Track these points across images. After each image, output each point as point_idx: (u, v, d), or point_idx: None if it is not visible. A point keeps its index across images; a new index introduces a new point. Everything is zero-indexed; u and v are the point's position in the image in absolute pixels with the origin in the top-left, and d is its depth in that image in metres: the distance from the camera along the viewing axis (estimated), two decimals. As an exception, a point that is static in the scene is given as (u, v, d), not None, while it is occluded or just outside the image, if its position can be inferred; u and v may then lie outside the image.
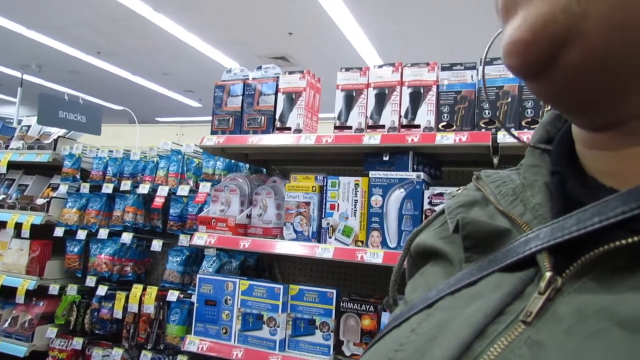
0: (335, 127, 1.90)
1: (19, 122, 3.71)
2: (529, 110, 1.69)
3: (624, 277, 0.28)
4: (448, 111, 1.79)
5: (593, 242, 0.29)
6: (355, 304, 1.81)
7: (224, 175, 2.45)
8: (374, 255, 1.72)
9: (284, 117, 2.02)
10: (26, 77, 8.89)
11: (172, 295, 2.37)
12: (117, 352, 2.47)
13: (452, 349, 0.30)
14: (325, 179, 1.90)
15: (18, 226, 2.73)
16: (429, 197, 1.71)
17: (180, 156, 2.58)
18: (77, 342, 2.57)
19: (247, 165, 2.52)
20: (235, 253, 2.39)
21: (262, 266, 2.49)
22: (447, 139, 1.70)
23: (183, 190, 2.47)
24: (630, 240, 0.27)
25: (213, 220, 2.07)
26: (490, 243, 0.37)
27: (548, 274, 0.30)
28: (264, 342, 1.89)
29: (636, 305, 0.25)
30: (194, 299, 2.29)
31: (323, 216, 1.88)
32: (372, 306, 1.78)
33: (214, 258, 2.36)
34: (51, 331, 2.63)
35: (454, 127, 1.77)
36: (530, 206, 0.38)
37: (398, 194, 1.75)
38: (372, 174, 1.80)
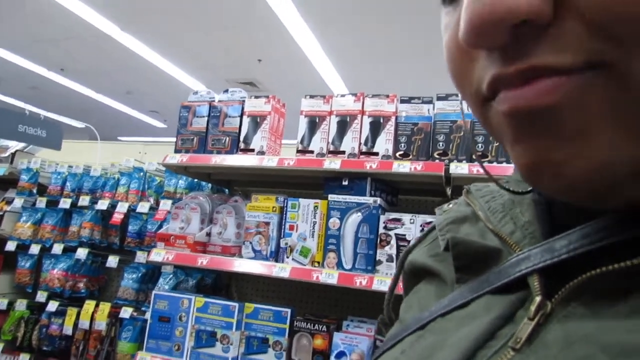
0: (298, 151, 1.98)
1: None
2: (480, 145, 1.82)
3: (611, 302, 0.27)
4: (405, 141, 1.90)
5: (584, 264, 0.28)
6: (309, 324, 1.85)
7: (185, 194, 2.47)
8: (329, 276, 1.78)
9: (248, 139, 2.09)
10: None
11: (126, 312, 2.34)
12: (64, 371, 2.39)
13: None
14: (286, 200, 1.96)
15: (-33, 238, 2.65)
16: (384, 222, 1.80)
17: (142, 173, 2.59)
18: (24, 359, 2.47)
19: (210, 185, 2.55)
20: (193, 271, 2.40)
21: (219, 285, 2.49)
22: (403, 167, 1.80)
23: (143, 207, 2.47)
24: (617, 265, 0.27)
25: (172, 237, 2.09)
26: (481, 263, 0.37)
27: (537, 299, 0.30)
28: (216, 359, 1.90)
29: (621, 332, 0.25)
30: (147, 316, 2.27)
31: (282, 236, 1.94)
32: (324, 326, 1.83)
33: (171, 276, 2.35)
34: (-6, 348, 2.53)
35: (410, 157, 1.87)
36: (520, 224, 0.37)
37: (355, 218, 1.83)
38: (331, 197, 1.88)
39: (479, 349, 0.31)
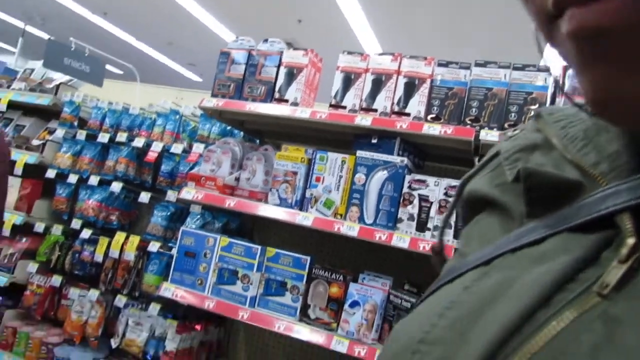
0: (331, 105, 2.01)
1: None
2: (513, 114, 1.81)
3: None
4: (438, 104, 1.90)
5: None
6: (326, 272, 1.93)
7: (218, 140, 2.54)
8: (350, 228, 1.84)
9: (283, 89, 2.13)
10: (29, 28, 8.83)
11: (153, 246, 2.47)
12: (94, 293, 2.55)
13: (512, 315, 0.28)
14: (315, 153, 2.01)
15: (12, 163, 2.80)
16: (409, 182, 1.83)
17: (177, 116, 2.67)
18: (56, 280, 2.65)
19: (242, 134, 2.62)
20: (219, 214, 2.49)
21: (243, 230, 2.59)
22: (433, 129, 1.82)
23: (177, 149, 2.55)
24: None
25: (202, 178, 2.17)
26: (558, 197, 0.33)
27: (630, 240, 0.26)
28: (236, 297, 2.00)
29: None
30: (173, 252, 2.39)
31: (308, 187, 1.99)
32: (341, 276, 1.90)
33: (198, 216, 2.45)
34: (32, 266, 2.71)
35: (442, 120, 1.88)
36: (605, 154, 0.32)
37: (381, 175, 1.87)
38: (360, 153, 1.92)
39: (557, 291, 0.28)
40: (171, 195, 2.52)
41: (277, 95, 2.13)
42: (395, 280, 1.95)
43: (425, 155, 2.17)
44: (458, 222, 1.74)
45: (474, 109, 1.84)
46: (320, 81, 2.27)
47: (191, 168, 2.50)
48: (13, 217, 2.72)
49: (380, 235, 1.78)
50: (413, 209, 1.79)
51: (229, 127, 2.61)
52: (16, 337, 2.61)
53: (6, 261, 2.74)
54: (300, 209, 1.99)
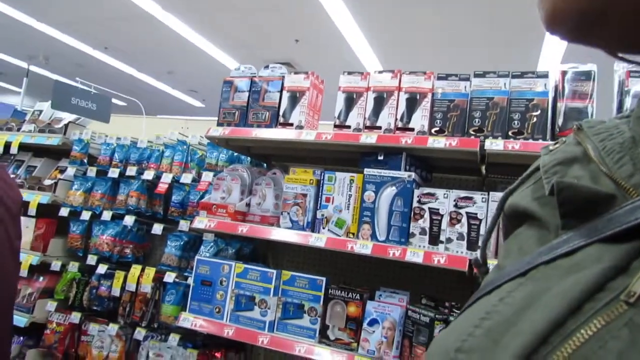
0: (335, 126, 2.04)
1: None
2: (516, 122, 1.83)
3: None
4: (441, 117, 1.93)
5: None
6: (343, 292, 1.93)
7: (226, 167, 2.57)
8: (363, 247, 1.85)
9: (287, 113, 2.16)
10: (32, 68, 9.03)
11: (169, 277, 2.49)
12: (113, 327, 2.57)
13: (543, 323, 0.29)
14: (323, 174, 2.03)
15: (25, 204, 2.85)
16: (418, 196, 1.85)
17: (185, 146, 2.71)
18: (75, 317, 2.67)
19: (249, 159, 2.65)
20: (232, 241, 2.51)
21: (257, 255, 2.60)
22: (438, 142, 1.84)
23: (186, 178, 2.59)
24: None
25: (214, 206, 2.20)
26: (591, 210, 0.34)
27: None
28: (254, 322, 2.01)
29: None
30: (189, 281, 2.40)
31: (318, 208, 2.01)
32: (358, 294, 1.90)
33: (212, 244, 2.48)
34: (51, 305, 2.73)
35: (446, 133, 1.90)
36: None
37: (390, 191, 1.88)
38: (367, 171, 1.94)
39: (586, 300, 0.29)
40: (183, 225, 2.55)
41: (281, 119, 2.16)
42: (412, 295, 1.95)
43: (432, 167, 2.19)
44: (470, 234, 1.75)
45: (476, 119, 1.86)
46: (322, 98, 2.31)
47: (201, 197, 2.53)
48: (29, 258, 2.76)
49: (394, 252, 1.79)
50: (424, 223, 1.81)
51: (236, 154, 2.65)
52: (39, 377, 2.63)
53: (25, 301, 2.77)
54: (312, 231, 2.00)
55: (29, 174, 3.06)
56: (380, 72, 2.06)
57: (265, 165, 2.68)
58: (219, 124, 2.27)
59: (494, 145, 1.74)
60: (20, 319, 2.67)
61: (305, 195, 2.04)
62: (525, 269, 0.35)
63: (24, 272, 2.75)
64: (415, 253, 1.75)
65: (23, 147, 3.09)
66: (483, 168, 1.94)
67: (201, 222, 2.16)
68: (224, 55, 7.97)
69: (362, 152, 2.04)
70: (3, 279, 0.79)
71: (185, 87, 10.76)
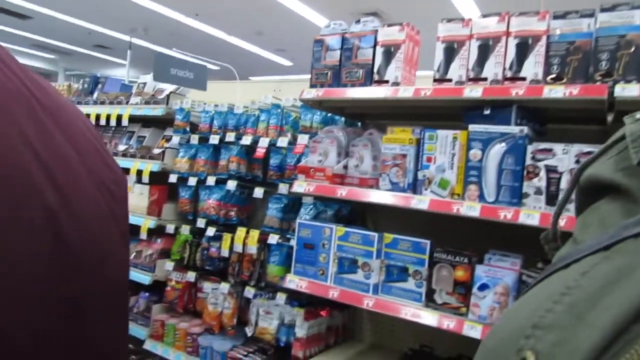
0: (435, 80, 1.90)
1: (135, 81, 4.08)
2: (653, 60, 1.57)
3: None
4: (558, 63, 1.71)
5: None
6: (449, 255, 1.86)
7: (320, 129, 2.54)
8: (470, 209, 1.74)
9: (381, 70, 2.05)
10: (134, 40, 9.61)
11: (273, 239, 2.57)
12: (224, 286, 2.74)
13: (633, 300, 0.27)
14: (423, 132, 1.92)
15: (139, 173, 3.08)
16: (532, 153, 1.68)
17: (279, 110, 2.72)
18: (191, 276, 2.89)
19: (343, 119, 2.59)
20: (331, 202, 2.51)
21: (355, 216, 2.59)
22: (555, 92, 1.64)
23: (282, 142, 2.61)
24: None
25: (312, 169, 2.19)
26: None
27: None
28: (359, 285, 2.01)
29: None
30: (292, 242, 2.46)
31: (419, 168, 1.92)
32: (466, 258, 1.82)
33: (311, 206, 2.50)
34: (169, 264, 2.98)
35: (565, 80, 1.69)
36: None
37: (498, 149, 1.73)
38: (472, 127, 1.79)
39: None
40: (283, 188, 2.59)
41: (376, 77, 2.06)
42: (525, 259, 1.82)
43: (546, 119, 1.97)
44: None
45: (604, 62, 1.61)
46: (419, 51, 2.16)
47: (298, 160, 2.54)
48: (147, 222, 3.00)
49: (505, 214, 1.66)
50: (540, 182, 1.64)
51: (330, 114, 2.61)
52: (164, 329, 2.91)
53: (147, 261, 3.04)
54: (414, 192, 1.92)
55: (140, 144, 3.29)
56: (484, 16, 1.86)
57: (360, 124, 2.61)
58: (312, 86, 2.22)
59: (627, 91, 1.51)
60: (144, 277, 2.95)
61: (404, 156, 1.95)
62: (609, 242, 0.33)
63: (143, 234, 3.00)
64: (530, 215, 1.61)
65: (132, 118, 3.30)
66: (610, 117, 1.71)
67: (300, 186, 2.17)
68: (309, 10, 7.84)
69: (466, 107, 1.89)
70: (118, 265, 0.80)
71: (273, 47, 10.85)
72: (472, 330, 1.71)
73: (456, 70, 1.85)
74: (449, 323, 1.76)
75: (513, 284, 1.69)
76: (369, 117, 2.61)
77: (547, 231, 0.50)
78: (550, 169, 1.63)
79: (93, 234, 0.74)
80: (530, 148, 1.68)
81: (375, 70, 2.06)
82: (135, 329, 3.00)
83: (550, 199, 1.63)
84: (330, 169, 2.14)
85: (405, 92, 1.92)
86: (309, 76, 2.27)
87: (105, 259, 0.77)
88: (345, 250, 2.07)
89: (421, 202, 1.84)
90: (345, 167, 2.18)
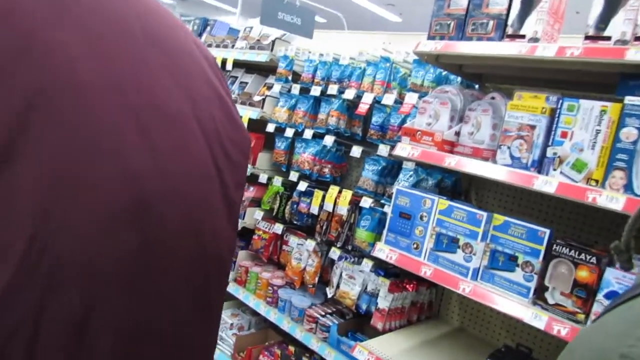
0: (587, 37, 1.55)
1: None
2: None
3: None
4: None
5: None
6: (572, 251, 1.56)
7: (432, 88, 2.28)
8: (611, 200, 1.43)
9: (517, 22, 1.73)
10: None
11: (365, 202, 2.41)
12: (310, 243, 2.66)
13: None
14: (561, 101, 1.60)
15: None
16: None
17: (388, 64, 2.48)
18: (278, 227, 2.84)
19: (459, 79, 2.30)
20: (433, 171, 2.28)
21: (458, 189, 2.34)
22: None
23: (388, 99, 2.39)
24: None
25: (418, 132, 1.97)
26: None
27: None
28: (456, 267, 1.80)
29: None
30: (386, 209, 2.29)
31: (550, 144, 1.61)
32: (594, 257, 1.52)
33: (411, 173, 2.29)
34: (258, 213, 2.96)
35: None
36: None
37: (662, 129, 1.38)
38: (629, 100, 1.44)
39: None
40: (382, 149, 2.40)
41: (509, 30, 1.74)
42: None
43: None
44: None
45: None
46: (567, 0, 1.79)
47: (403, 120, 2.32)
48: (241, 168, 2.98)
49: (659, 212, 1.33)
50: None
51: (444, 73, 2.32)
52: (248, 276, 2.92)
53: (238, 207, 3.04)
54: (539, 172, 1.63)
55: (242, 90, 3.24)
56: (667, -42, 1.45)
57: (477, 87, 2.30)
58: (430, 37, 1.95)
59: None
60: (234, 223, 2.96)
61: (533, 127, 1.65)
62: None
63: (237, 181, 3.00)
64: (697, 218, 1.27)
65: (237, 63, 3.25)
66: None
67: (403, 149, 1.96)
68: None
69: (623, 74, 1.53)
70: (214, 240, 0.67)
71: (382, 0, 10.34)
72: (591, 342, 1.43)
73: (619, 26, 1.49)
74: (560, 328, 1.50)
75: (655, 298, 1.38)
76: (490, 79, 2.29)
77: (618, 242, 0.47)
78: None
79: (185, 200, 0.60)
80: None
81: (509, 22, 1.75)
82: (221, 272, 3.05)
83: None
84: (439, 134, 1.89)
85: (545, 51, 1.60)
86: (419, 33, 2.00)
87: (199, 231, 0.63)
88: (446, 226, 1.85)
89: (547, 183, 1.55)
90: (458, 133, 1.92)
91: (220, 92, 0.71)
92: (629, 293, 0.37)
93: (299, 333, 2.57)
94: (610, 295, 1.45)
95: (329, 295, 2.58)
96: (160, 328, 0.59)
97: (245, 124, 2.88)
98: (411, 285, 2.35)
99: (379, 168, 2.50)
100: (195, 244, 0.62)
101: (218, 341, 2.81)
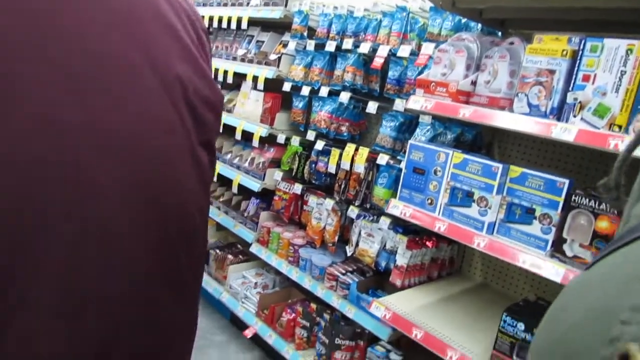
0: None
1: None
2: None
3: None
4: None
5: None
6: (592, 201, 1.49)
7: (451, 37, 2.17)
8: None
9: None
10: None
11: (382, 159, 2.36)
12: (329, 202, 2.65)
13: None
14: (583, 41, 1.48)
15: (254, 79, 3.01)
16: None
17: (404, 13, 2.37)
18: (298, 187, 2.84)
19: (479, 27, 2.18)
20: (452, 125, 2.20)
21: (480, 143, 2.25)
22: None
23: (404, 51, 2.29)
24: None
25: (432, 84, 1.88)
26: None
27: None
28: (471, 221, 1.75)
29: None
30: (402, 165, 2.23)
31: (570, 89, 1.51)
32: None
33: (429, 127, 2.21)
34: (278, 174, 2.96)
35: None
36: None
37: (693, 66, 1.26)
38: (657, 35, 1.33)
39: None
40: (399, 104, 2.32)
41: (528, -32, 1.62)
42: None
43: None
44: None
45: None
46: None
47: (420, 72, 2.23)
48: (260, 129, 2.97)
49: (686, 157, 1.23)
50: None
51: (463, 21, 2.20)
52: (270, 236, 2.96)
53: (259, 168, 3.05)
54: (558, 119, 1.54)
55: (258, 49, 3.19)
56: None
57: (500, 34, 2.17)
58: (445, -19, 1.84)
59: None
60: (253, 184, 2.98)
61: (552, 72, 1.54)
62: None
63: (255, 142, 2.99)
64: None
65: (253, 22, 3.19)
66: None
67: (417, 102, 1.89)
68: None
69: (653, 8, 1.40)
70: (173, 187, 0.65)
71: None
72: (610, 295, 1.38)
73: (647, -45, 1.35)
74: (579, 281, 1.45)
75: (679, 248, 1.30)
76: (514, 25, 2.15)
77: (607, 179, 0.44)
78: None
79: (127, 153, 0.59)
80: None
81: (528, -42, 1.62)
82: (244, 232, 3.10)
83: None
84: (454, 84, 1.81)
85: (565, -13, 1.47)
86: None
87: (148, 181, 0.61)
88: (460, 180, 1.79)
89: (566, 131, 1.46)
90: (474, 83, 1.83)
91: (190, 50, 0.68)
92: (627, 236, 0.33)
93: (320, 291, 2.60)
94: (631, 247, 1.38)
95: (349, 254, 2.58)
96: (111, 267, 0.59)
97: (262, 84, 2.86)
98: (431, 242, 2.32)
99: (397, 124, 2.43)
100: (143, 194, 0.60)
101: (243, 300, 2.88)
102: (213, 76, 2.89)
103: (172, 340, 0.70)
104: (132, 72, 0.59)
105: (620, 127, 1.40)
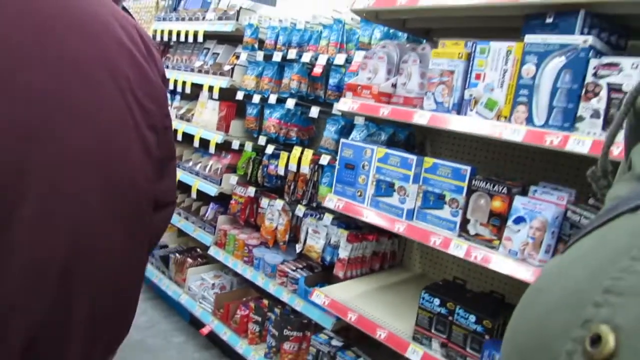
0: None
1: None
2: None
3: None
4: (651, -45, 1.36)
5: None
6: (488, 184, 1.68)
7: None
8: (514, 132, 1.53)
9: (439, -26, 1.81)
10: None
11: (324, 159, 2.54)
12: (280, 203, 2.81)
13: None
14: (474, 45, 1.69)
15: (210, 89, 3.18)
16: (595, 68, 1.40)
17: (340, 25, 2.57)
18: (251, 191, 3.00)
19: (405, 36, 2.39)
20: (385, 126, 2.39)
21: (412, 142, 2.45)
22: (638, -8, 1.32)
23: (340, 59, 2.49)
24: None
25: (359, 87, 2.08)
26: None
27: None
28: (393, 209, 1.93)
29: None
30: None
31: (466, 86, 1.72)
32: (505, 188, 1.63)
33: (363, 128, 2.40)
34: (234, 179, 3.11)
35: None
36: None
37: (556, 63, 1.47)
38: (529, 38, 1.54)
39: None
40: (336, 108, 2.51)
41: (431, -18, 1.83)
42: (579, 194, 1.59)
43: (629, 31, 1.62)
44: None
45: None
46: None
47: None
48: (216, 137, 3.13)
49: (551, 139, 1.44)
50: (599, 103, 1.38)
51: (391, 31, 2.41)
52: (227, 238, 3.10)
53: (215, 174, 3.20)
54: (458, 113, 1.74)
55: (214, 61, 3.37)
56: None
57: (424, 41, 2.38)
58: (365, -5, 2.04)
59: None
60: (211, 189, 3.13)
61: (452, 72, 1.75)
62: None
63: (212, 149, 3.15)
64: (581, 141, 1.38)
65: (208, 35, 3.37)
66: None
67: (345, 103, 2.08)
68: None
69: (527, 15, 1.62)
70: (124, 157, 0.89)
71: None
72: (501, 264, 1.56)
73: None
74: (477, 255, 1.63)
75: (552, 220, 1.49)
76: (436, 33, 2.37)
77: (594, 167, 0.44)
78: (613, 88, 1.35)
79: (93, 126, 0.82)
80: (593, 62, 1.40)
81: (431, -26, 1.83)
82: (203, 236, 3.24)
83: (609, 124, 1.37)
84: (376, 87, 2.01)
85: (458, -2, 1.69)
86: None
87: (106, 150, 0.85)
88: (384, 172, 1.98)
89: (460, 122, 1.66)
90: (395, 85, 2.03)
91: (133, 53, 0.91)
92: (607, 214, 0.32)
93: (271, 287, 2.74)
94: (518, 221, 1.57)
95: (298, 251, 2.74)
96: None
97: (217, 94, 3.03)
98: (372, 236, 2.49)
99: (339, 127, 2.62)
100: (101, 158, 0.83)
101: (200, 300, 3.00)
102: (173, 86, 3.06)
103: (126, 267, 0.92)
104: (88, 66, 0.83)
105: (505, 117, 1.60)
